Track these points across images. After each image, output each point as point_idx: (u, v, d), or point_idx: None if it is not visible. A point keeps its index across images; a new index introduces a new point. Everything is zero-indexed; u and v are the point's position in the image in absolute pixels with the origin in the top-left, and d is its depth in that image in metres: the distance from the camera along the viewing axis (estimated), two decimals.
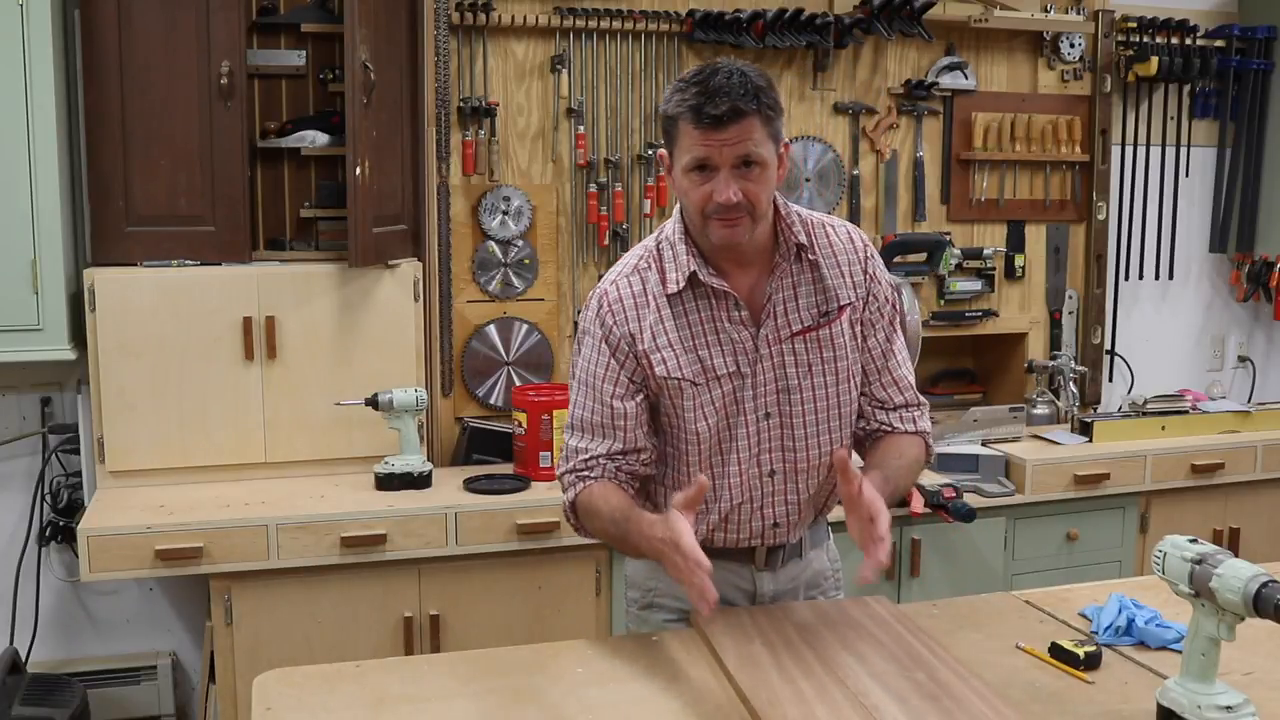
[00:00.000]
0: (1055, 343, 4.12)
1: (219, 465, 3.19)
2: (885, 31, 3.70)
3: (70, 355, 3.08)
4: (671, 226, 1.94)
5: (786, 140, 1.92)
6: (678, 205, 1.92)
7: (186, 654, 3.56)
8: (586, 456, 1.93)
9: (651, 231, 3.70)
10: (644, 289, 1.92)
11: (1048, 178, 4.06)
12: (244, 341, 3.16)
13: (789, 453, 1.95)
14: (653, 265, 1.93)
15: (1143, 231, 4.30)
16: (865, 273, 1.96)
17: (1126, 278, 4.29)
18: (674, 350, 1.89)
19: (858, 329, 1.96)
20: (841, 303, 1.93)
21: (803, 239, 1.91)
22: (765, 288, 1.90)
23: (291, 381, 3.22)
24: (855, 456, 1.99)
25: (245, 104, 3.19)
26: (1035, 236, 4.09)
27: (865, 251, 1.97)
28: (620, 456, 1.93)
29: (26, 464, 3.40)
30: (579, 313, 3.61)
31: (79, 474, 3.33)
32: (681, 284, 1.88)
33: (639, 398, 1.92)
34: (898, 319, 2.04)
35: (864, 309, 1.97)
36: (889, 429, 2.02)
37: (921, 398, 2.06)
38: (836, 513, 2.01)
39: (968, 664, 1.76)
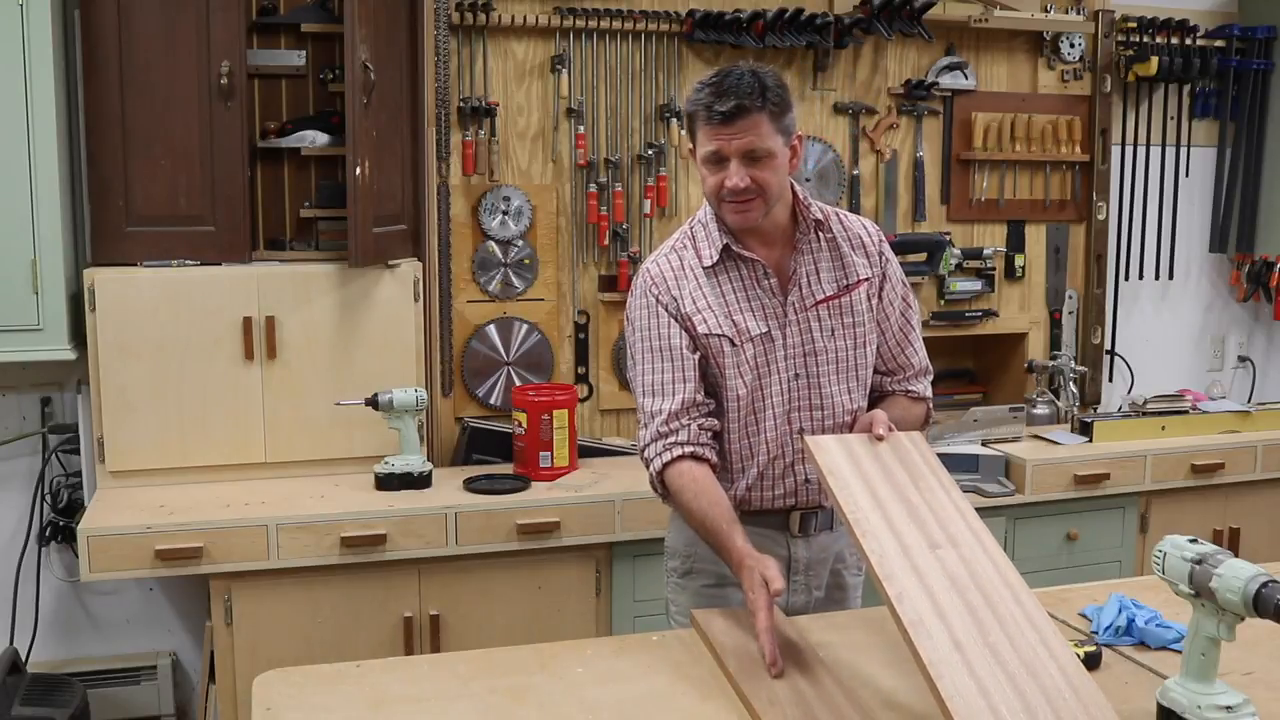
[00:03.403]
0: (1055, 343, 4.12)
1: (219, 465, 3.19)
2: (885, 31, 3.70)
3: (70, 355, 3.08)
4: (704, 211, 2.16)
5: (799, 132, 2.08)
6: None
7: (186, 654, 3.56)
8: (665, 416, 2.06)
9: (652, 231, 3.74)
10: (681, 264, 2.13)
11: (1048, 178, 4.06)
12: (244, 341, 3.16)
13: (816, 410, 2.13)
14: (688, 245, 2.15)
15: (1143, 231, 4.30)
16: (881, 255, 2.20)
17: (1126, 278, 4.29)
18: (712, 312, 2.09)
19: (874, 303, 2.18)
20: (860, 276, 2.15)
21: (819, 216, 2.14)
22: (790, 262, 2.11)
23: (291, 381, 3.21)
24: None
25: (245, 104, 3.19)
26: (1035, 236, 4.09)
27: (878, 239, 2.21)
28: (695, 409, 2.07)
29: (26, 464, 3.39)
30: (578, 312, 3.62)
31: (79, 474, 3.33)
32: (715, 257, 2.09)
33: (698, 355, 2.10)
34: (912, 308, 2.26)
35: (881, 287, 2.19)
36: (902, 393, 2.24)
37: (931, 370, 2.30)
38: None
39: None
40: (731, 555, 1.92)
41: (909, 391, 2.25)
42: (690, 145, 2.11)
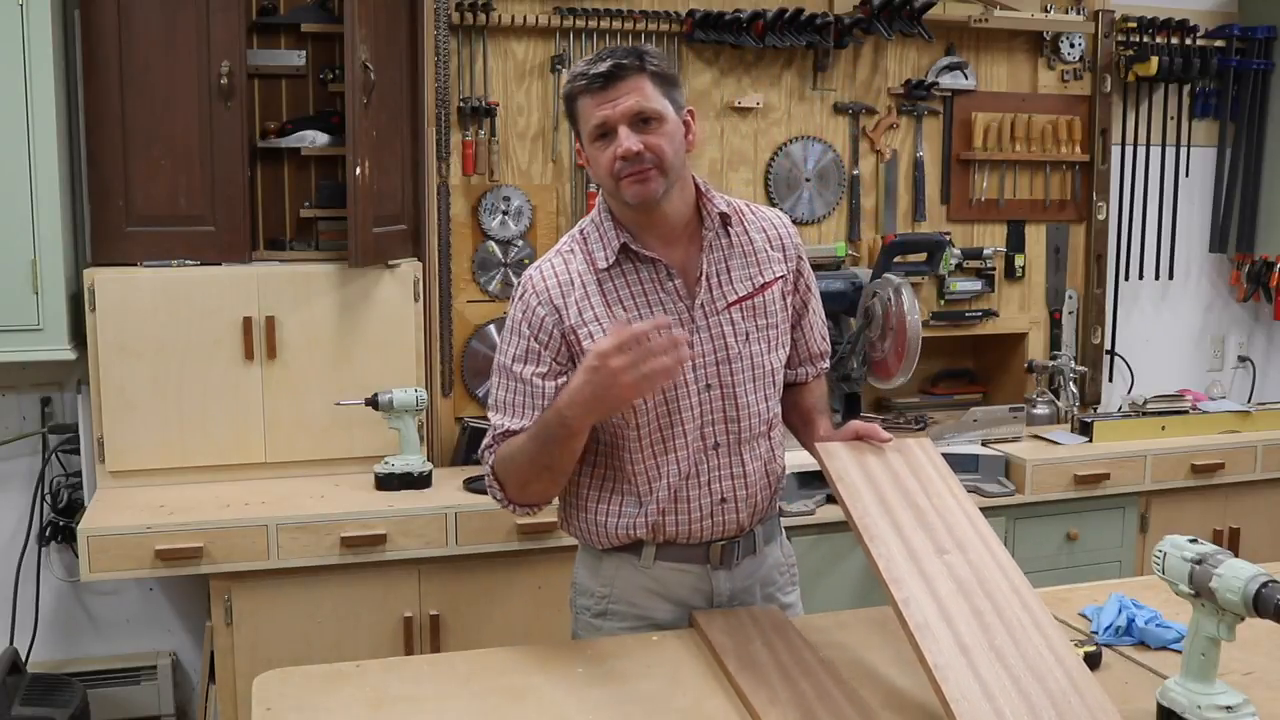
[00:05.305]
0: (1055, 343, 4.12)
1: (219, 465, 3.19)
2: (885, 31, 3.70)
3: (70, 355, 3.08)
4: (596, 213, 1.99)
5: (691, 108, 1.95)
6: (599, 196, 2.00)
7: (186, 654, 3.56)
8: (503, 430, 1.93)
9: None
10: (568, 269, 1.95)
11: (1048, 178, 4.06)
12: (244, 341, 3.16)
13: (731, 423, 1.97)
14: (577, 249, 1.97)
15: (1143, 231, 4.30)
16: (796, 246, 2.06)
17: (1126, 278, 4.29)
18: (600, 325, 1.90)
19: (788, 300, 2.04)
20: (775, 275, 2.00)
21: (725, 209, 1.98)
22: (697, 261, 1.95)
23: (291, 381, 3.21)
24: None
25: (245, 104, 3.19)
26: (1035, 236, 4.09)
27: (791, 230, 2.07)
28: None
29: (26, 464, 3.39)
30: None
31: (79, 474, 3.33)
32: (611, 259, 1.92)
33: (560, 380, 1.90)
34: (815, 292, 2.13)
35: (795, 284, 2.05)
36: (813, 378, 2.16)
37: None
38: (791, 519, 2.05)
39: None
40: (563, 406, 1.79)
41: (818, 373, 2.16)
42: (578, 144, 1.94)
